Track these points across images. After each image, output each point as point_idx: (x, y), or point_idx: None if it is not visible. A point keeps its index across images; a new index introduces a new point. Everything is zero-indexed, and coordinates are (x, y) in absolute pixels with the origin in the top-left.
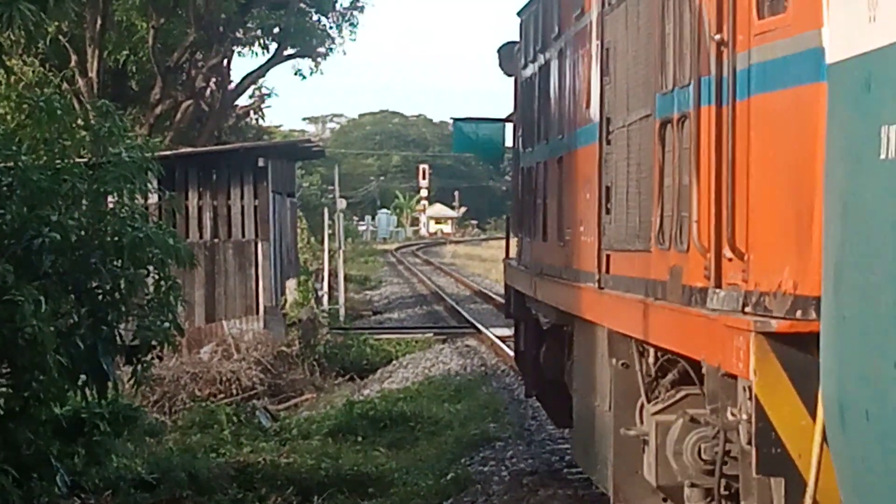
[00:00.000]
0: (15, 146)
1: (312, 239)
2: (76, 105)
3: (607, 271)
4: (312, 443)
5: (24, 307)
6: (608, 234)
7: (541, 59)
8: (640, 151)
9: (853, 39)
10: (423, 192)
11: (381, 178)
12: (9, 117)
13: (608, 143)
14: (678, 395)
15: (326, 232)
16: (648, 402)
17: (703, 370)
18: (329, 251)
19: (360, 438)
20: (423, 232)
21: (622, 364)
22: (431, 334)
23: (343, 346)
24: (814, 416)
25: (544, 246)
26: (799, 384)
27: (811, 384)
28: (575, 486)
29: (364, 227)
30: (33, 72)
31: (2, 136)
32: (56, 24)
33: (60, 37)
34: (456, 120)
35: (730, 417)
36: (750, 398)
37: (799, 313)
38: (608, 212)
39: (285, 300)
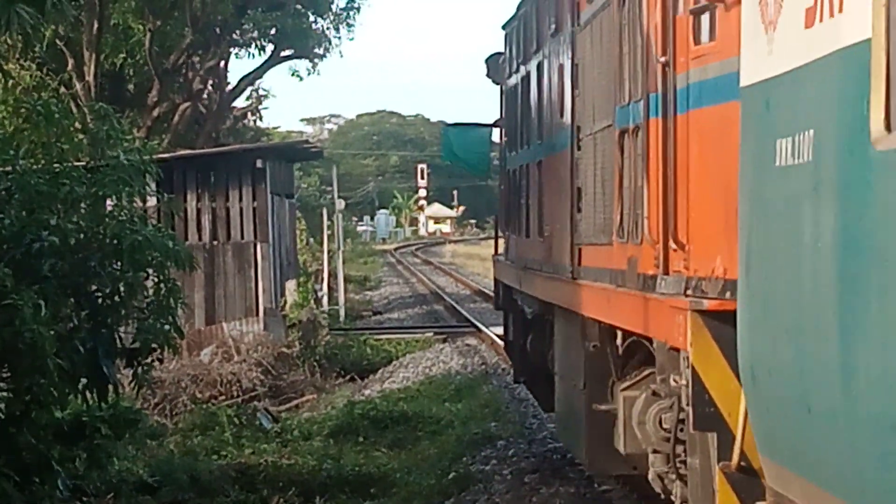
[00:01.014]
0: (13, 150)
1: (312, 240)
2: (74, 109)
3: (579, 263)
4: (314, 444)
5: (24, 311)
6: (579, 230)
7: (523, 71)
8: (604, 157)
9: (757, 68)
10: (422, 192)
11: (380, 178)
12: (6, 122)
13: (578, 148)
14: (643, 373)
15: (325, 233)
16: (618, 380)
17: (654, 346)
18: (328, 252)
19: (361, 439)
20: (422, 232)
21: (594, 347)
22: (431, 334)
23: (343, 346)
24: (739, 379)
25: (527, 242)
26: (727, 353)
27: (737, 353)
28: (577, 484)
29: (363, 228)
30: (30, 76)
31: (0, 141)
32: (53, 27)
33: (57, 40)
34: (446, 126)
35: (673, 384)
36: (688, 367)
37: (728, 294)
38: (579, 210)
39: (285, 301)
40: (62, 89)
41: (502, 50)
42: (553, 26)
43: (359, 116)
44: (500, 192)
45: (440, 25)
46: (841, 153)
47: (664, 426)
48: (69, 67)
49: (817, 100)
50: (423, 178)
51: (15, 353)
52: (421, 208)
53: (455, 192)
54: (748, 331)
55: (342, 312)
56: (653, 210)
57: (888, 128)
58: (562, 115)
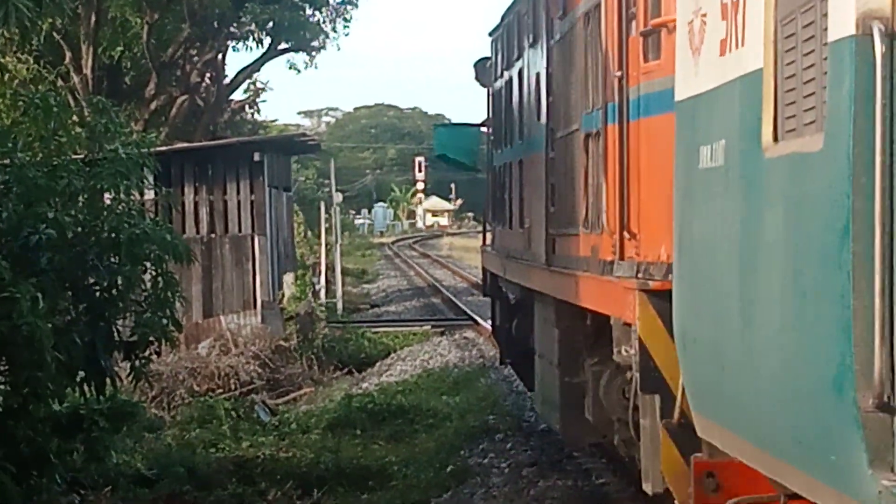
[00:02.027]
0: (11, 143)
1: (309, 233)
2: (71, 102)
3: (553, 252)
4: (311, 437)
5: (22, 304)
6: (553, 222)
7: (506, 76)
8: (573, 157)
9: (687, 85)
10: (420, 185)
11: (377, 171)
12: (4, 115)
13: (552, 149)
14: (621, 354)
15: (323, 226)
16: (587, 356)
17: (611, 322)
18: (326, 245)
19: (359, 432)
20: (419, 225)
21: (566, 327)
22: (429, 327)
23: (341, 339)
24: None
25: (510, 233)
26: (668, 326)
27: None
28: (574, 478)
29: (361, 221)
30: (28, 69)
31: None
32: (50, 20)
33: (55, 33)
34: (437, 126)
35: (625, 354)
36: (636, 338)
37: (669, 276)
38: (553, 204)
39: (283, 294)
40: (60, 82)
41: (489, 55)
42: (532, 38)
43: (356, 109)
44: (486, 188)
45: (438, 19)
46: (742, 159)
47: (625, 396)
48: (66, 60)
49: (727, 115)
50: (420, 171)
51: (12, 346)
52: (419, 201)
53: (453, 186)
54: (679, 306)
55: (340, 305)
56: (610, 204)
57: (775, 139)
58: (538, 119)
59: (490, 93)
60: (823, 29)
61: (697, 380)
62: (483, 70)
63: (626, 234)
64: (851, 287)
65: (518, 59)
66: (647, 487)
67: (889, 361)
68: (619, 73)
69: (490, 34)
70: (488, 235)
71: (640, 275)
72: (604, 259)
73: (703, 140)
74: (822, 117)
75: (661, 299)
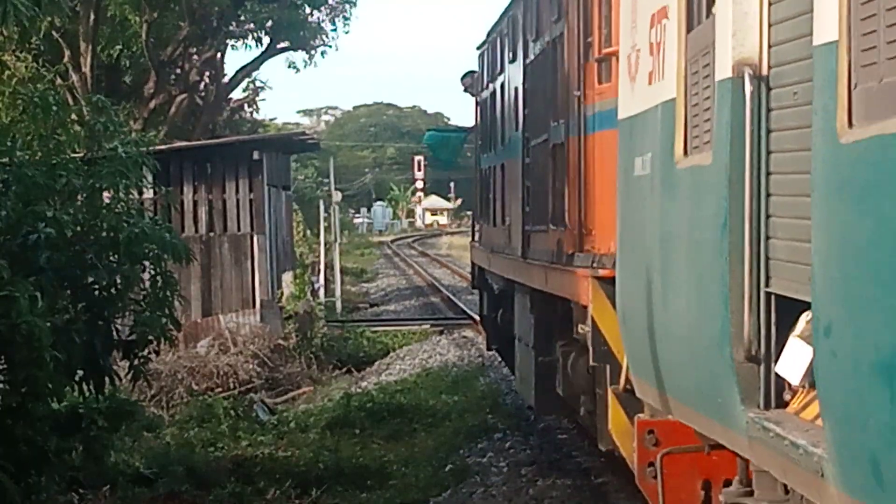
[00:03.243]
0: (10, 142)
1: (308, 232)
2: (70, 100)
3: (528, 246)
4: (310, 436)
5: (20, 303)
6: (528, 220)
7: (491, 87)
8: (544, 164)
9: (627, 107)
10: (419, 184)
11: (377, 169)
12: (3, 113)
13: (528, 156)
14: (577, 332)
15: (322, 224)
16: (558, 339)
17: (572, 305)
18: (325, 244)
19: (357, 431)
20: (418, 223)
21: (540, 312)
22: (428, 326)
23: (340, 338)
24: None
25: (494, 230)
26: (615, 306)
27: None
28: (573, 476)
29: (360, 220)
30: (27, 67)
31: None
32: (49, 19)
33: (54, 32)
34: (429, 130)
35: (581, 332)
36: (589, 317)
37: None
38: (528, 204)
39: (282, 293)
40: (59, 81)
41: (475, 68)
42: (511, 55)
43: (355, 108)
44: (475, 188)
45: (437, 18)
46: (662, 168)
47: (589, 371)
48: (65, 59)
49: (653, 133)
50: (419, 169)
51: (11, 345)
52: (418, 200)
53: (452, 185)
54: (620, 289)
55: (339, 304)
56: (571, 205)
57: (685, 154)
58: (517, 128)
59: (477, 101)
60: (714, 70)
61: (634, 349)
62: (470, 82)
63: (583, 231)
64: (728, 269)
65: (500, 73)
66: (602, 445)
67: (756, 325)
68: (578, 93)
69: (477, 48)
70: (476, 232)
71: (594, 265)
72: (567, 252)
73: (637, 152)
74: (712, 139)
75: (609, 284)
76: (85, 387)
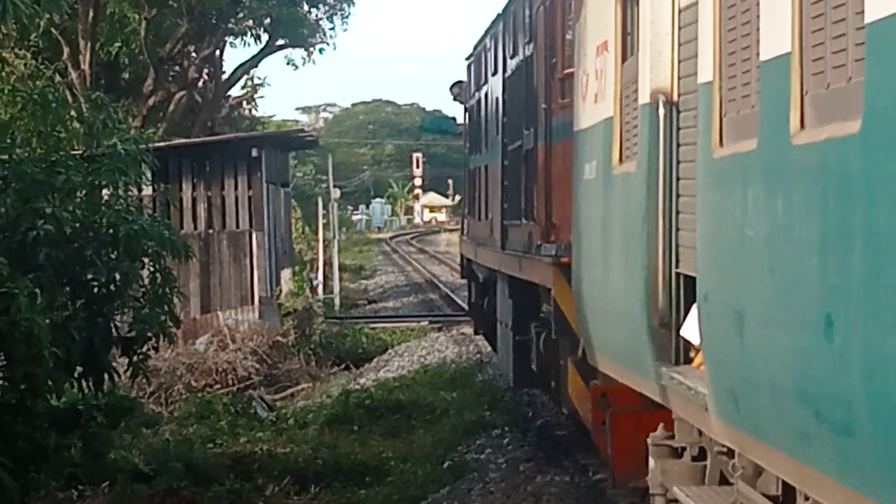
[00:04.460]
0: (9, 139)
1: (307, 229)
2: (69, 98)
3: (506, 239)
4: (309, 432)
5: (20, 299)
6: (506, 215)
7: (477, 96)
8: (518, 166)
9: (580, 121)
10: (417, 181)
11: (375, 167)
12: (2, 110)
13: (506, 159)
14: (543, 311)
15: (321, 221)
16: (532, 320)
17: (540, 288)
18: (324, 241)
19: (356, 427)
20: (417, 220)
21: (517, 297)
22: (426, 322)
23: (338, 335)
24: None
25: (479, 224)
26: (572, 288)
27: None
28: (571, 473)
29: (358, 217)
30: (26, 65)
31: None
32: (48, 16)
33: (52, 29)
34: (424, 115)
35: (545, 310)
36: (552, 298)
37: None
38: (506, 201)
39: (280, 290)
40: (58, 78)
41: (464, 77)
42: (493, 69)
43: (354, 105)
44: (464, 186)
45: (436, 15)
46: (603, 174)
47: (553, 346)
48: (64, 56)
49: (597, 144)
50: (418, 167)
51: (10, 342)
52: (416, 197)
53: (450, 181)
54: (575, 273)
55: (337, 301)
56: (539, 202)
57: (620, 162)
58: (497, 134)
59: (466, 108)
60: (638, 96)
61: (585, 323)
62: (459, 90)
63: (549, 224)
64: (647, 254)
65: (485, 83)
66: (564, 409)
67: (668, 299)
68: (545, 106)
69: (466, 59)
70: (465, 226)
71: (557, 254)
72: (536, 243)
73: (587, 160)
74: (637, 151)
75: (568, 270)
76: (84, 383)
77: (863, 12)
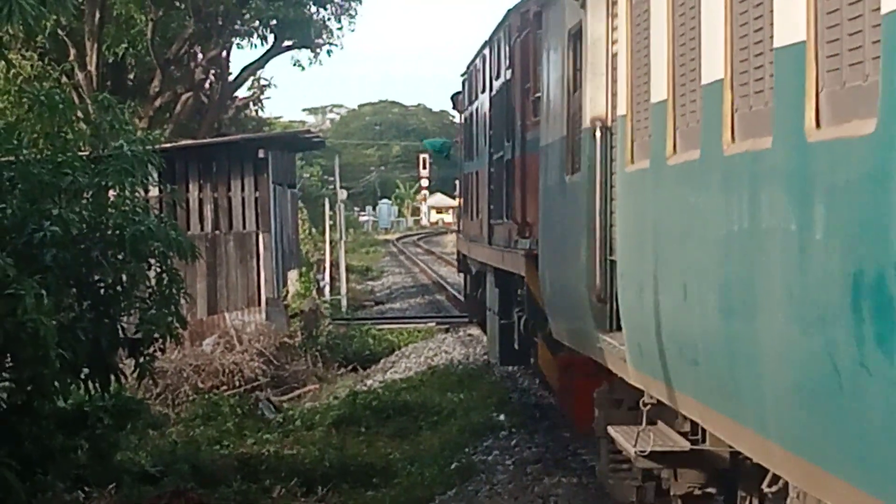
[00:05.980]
0: (16, 140)
1: (314, 230)
2: (76, 99)
3: (492, 234)
4: (316, 434)
5: (26, 301)
6: (492, 214)
7: (470, 109)
8: (501, 173)
9: (544, 137)
10: (424, 182)
11: (382, 168)
12: (9, 111)
13: (492, 166)
14: (518, 296)
15: (327, 223)
16: (515, 306)
17: (516, 277)
18: (330, 242)
19: (363, 429)
20: (424, 221)
21: (502, 286)
22: (434, 324)
23: (345, 336)
24: None
25: (472, 223)
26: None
27: None
28: (579, 475)
29: (365, 218)
30: (32, 66)
31: (3, 131)
32: (54, 17)
33: (59, 30)
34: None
35: (519, 294)
36: (525, 284)
37: None
38: (492, 203)
39: (287, 291)
40: (64, 79)
41: (460, 90)
42: (482, 87)
43: (361, 106)
44: (460, 188)
45: (442, 16)
46: (559, 181)
47: (529, 326)
48: (71, 57)
49: (556, 157)
50: (424, 167)
51: (17, 343)
52: (423, 198)
53: (457, 182)
54: (541, 262)
55: (344, 302)
56: (516, 204)
57: (571, 173)
58: (485, 144)
59: (462, 118)
60: (582, 121)
61: (549, 303)
62: (457, 101)
63: (524, 223)
64: (588, 245)
65: (476, 99)
66: (539, 379)
67: (604, 279)
68: (520, 123)
69: (461, 76)
70: (461, 225)
71: (530, 247)
72: (514, 238)
73: (549, 168)
74: (582, 165)
75: (537, 260)
76: (91, 385)
77: (773, 37)
